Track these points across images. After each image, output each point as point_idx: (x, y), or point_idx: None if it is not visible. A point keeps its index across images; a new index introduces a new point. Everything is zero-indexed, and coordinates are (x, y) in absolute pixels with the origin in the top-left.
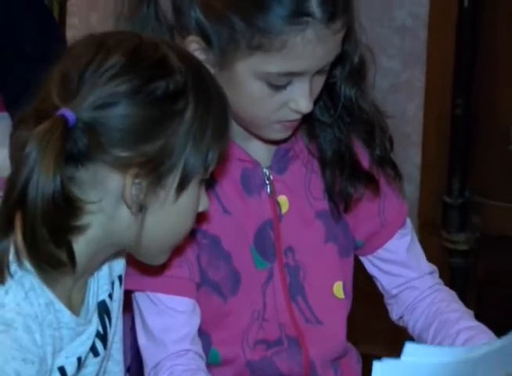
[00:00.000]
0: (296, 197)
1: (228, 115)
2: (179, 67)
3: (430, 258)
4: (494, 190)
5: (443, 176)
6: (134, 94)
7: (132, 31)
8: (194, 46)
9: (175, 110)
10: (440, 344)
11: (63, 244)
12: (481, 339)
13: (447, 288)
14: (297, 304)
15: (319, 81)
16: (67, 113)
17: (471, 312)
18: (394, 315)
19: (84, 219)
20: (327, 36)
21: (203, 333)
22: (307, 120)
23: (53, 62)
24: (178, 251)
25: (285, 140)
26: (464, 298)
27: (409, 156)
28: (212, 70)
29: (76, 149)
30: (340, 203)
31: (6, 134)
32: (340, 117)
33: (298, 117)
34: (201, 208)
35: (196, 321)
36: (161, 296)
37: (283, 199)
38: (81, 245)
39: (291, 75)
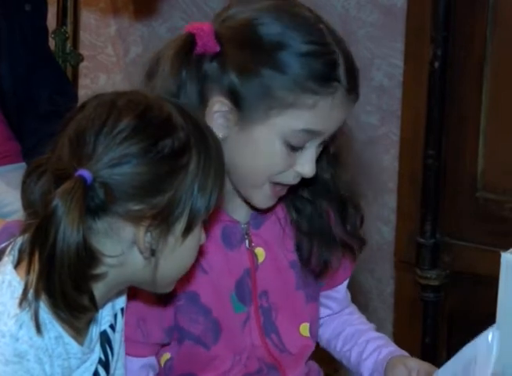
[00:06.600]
0: (271, 248)
1: (223, 157)
2: (181, 124)
3: (405, 292)
4: (462, 232)
5: (416, 219)
6: (144, 154)
7: (138, 91)
8: (216, 108)
9: (180, 164)
10: (349, 351)
11: (85, 291)
12: (389, 347)
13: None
14: (272, 340)
15: (318, 152)
16: (85, 173)
17: (375, 327)
18: None
19: (102, 268)
20: (347, 104)
21: (191, 374)
22: (290, 192)
23: (65, 118)
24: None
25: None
26: (436, 328)
27: (386, 201)
28: (225, 133)
29: (93, 204)
30: (316, 269)
31: None
32: (318, 193)
33: (296, 181)
34: (201, 242)
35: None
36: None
37: (259, 250)
38: (100, 289)
39: (311, 134)
